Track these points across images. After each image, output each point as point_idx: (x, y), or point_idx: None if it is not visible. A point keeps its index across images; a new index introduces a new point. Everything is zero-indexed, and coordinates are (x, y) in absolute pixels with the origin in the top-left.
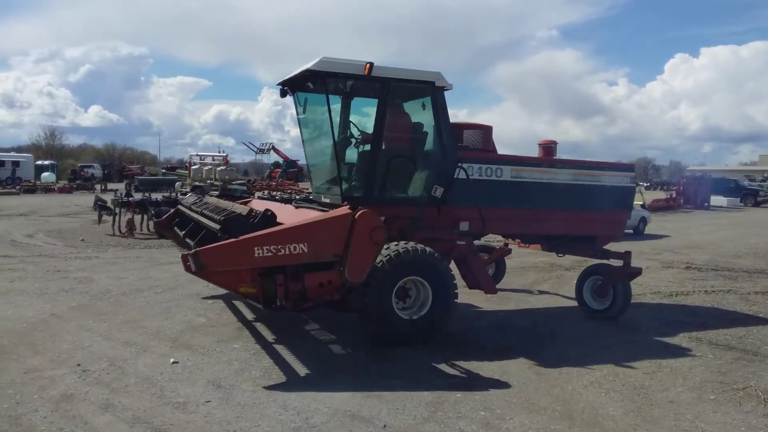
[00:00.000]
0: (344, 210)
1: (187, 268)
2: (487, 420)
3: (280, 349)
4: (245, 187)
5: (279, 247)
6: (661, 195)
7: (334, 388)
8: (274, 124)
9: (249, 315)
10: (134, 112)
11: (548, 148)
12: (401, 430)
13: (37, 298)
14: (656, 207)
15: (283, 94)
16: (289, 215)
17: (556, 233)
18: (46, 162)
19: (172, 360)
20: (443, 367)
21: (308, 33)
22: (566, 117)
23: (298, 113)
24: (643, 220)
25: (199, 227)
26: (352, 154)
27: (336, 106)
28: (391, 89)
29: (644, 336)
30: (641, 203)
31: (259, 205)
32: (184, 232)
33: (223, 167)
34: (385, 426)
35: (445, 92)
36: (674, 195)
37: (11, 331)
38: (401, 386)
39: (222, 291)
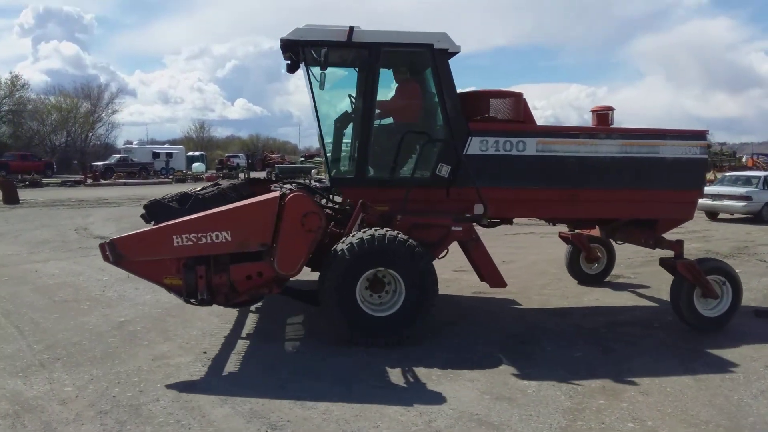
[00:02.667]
0: (273, 194)
1: (105, 258)
2: None
3: (408, 340)
4: None
5: (200, 235)
6: None
7: (459, 387)
8: None
9: None
10: (276, 103)
11: (603, 115)
12: None
13: None
14: None
15: (291, 69)
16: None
17: (598, 217)
18: (197, 153)
19: (293, 348)
20: (582, 367)
21: (438, 16)
22: (718, 91)
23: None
24: None
25: None
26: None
27: (352, 79)
28: (380, 56)
29: None
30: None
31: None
32: None
33: None
34: None
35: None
36: None
37: (147, 316)
38: (535, 389)
39: None
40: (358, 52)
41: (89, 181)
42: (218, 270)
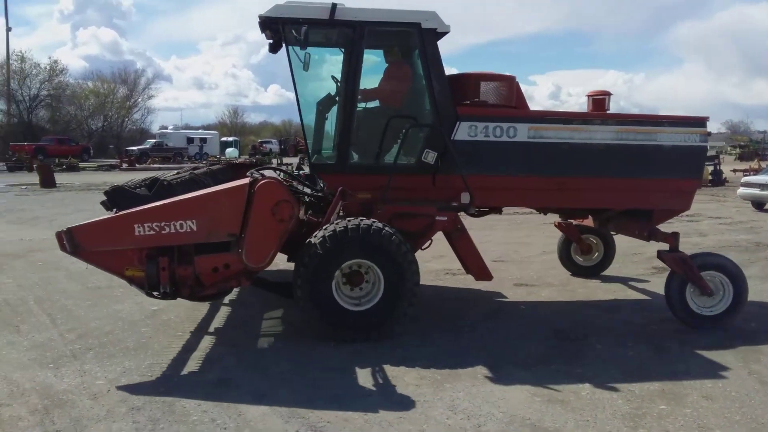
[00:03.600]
0: (242, 180)
1: (62, 248)
2: None
3: (446, 335)
4: None
5: (163, 224)
6: None
7: (509, 387)
8: None
9: (427, 291)
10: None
11: (599, 100)
12: None
13: None
14: None
15: (274, 49)
16: None
17: (591, 207)
18: (230, 138)
19: (333, 344)
20: (636, 367)
21: (474, 3)
22: (760, 78)
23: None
24: None
25: None
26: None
27: (337, 59)
28: (365, 35)
29: None
30: None
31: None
32: None
33: None
34: None
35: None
36: None
37: (179, 305)
38: (589, 391)
39: None
40: (342, 31)
41: (125, 165)
42: (183, 261)
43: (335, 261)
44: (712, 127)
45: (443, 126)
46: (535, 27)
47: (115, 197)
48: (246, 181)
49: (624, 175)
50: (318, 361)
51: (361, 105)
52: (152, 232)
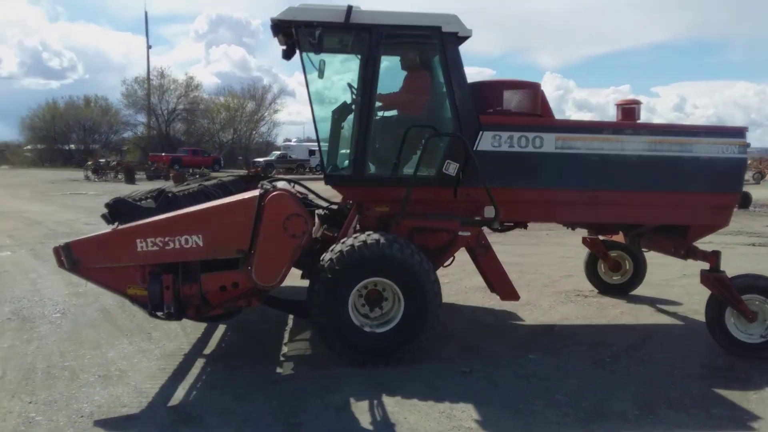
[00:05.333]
0: (251, 192)
1: (60, 264)
2: None
3: (585, 366)
4: None
5: (167, 239)
6: None
7: None
8: (555, 109)
9: (555, 314)
10: None
11: (629, 110)
12: None
13: None
14: None
15: (287, 56)
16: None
17: (623, 222)
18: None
19: (467, 369)
20: None
21: (591, 14)
22: None
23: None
24: None
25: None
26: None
27: (353, 65)
28: (382, 39)
29: None
30: None
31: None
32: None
33: None
34: None
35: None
36: None
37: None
38: None
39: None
40: (358, 35)
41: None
42: (188, 279)
43: (353, 279)
44: None
45: (466, 135)
46: (657, 36)
47: (117, 210)
48: (256, 193)
49: (659, 188)
50: (453, 387)
51: (379, 114)
52: (155, 248)
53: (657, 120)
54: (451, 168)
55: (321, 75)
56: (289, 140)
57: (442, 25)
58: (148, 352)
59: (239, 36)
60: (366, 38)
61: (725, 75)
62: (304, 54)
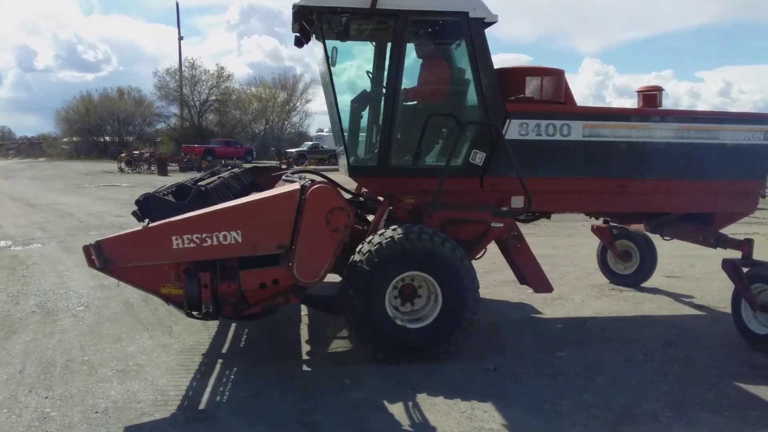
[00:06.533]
0: (291, 186)
1: (91, 263)
2: None
3: (617, 364)
4: None
5: (204, 235)
6: None
7: None
8: (594, 95)
9: (588, 309)
10: None
11: (650, 96)
12: None
13: None
14: None
15: (299, 44)
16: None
17: (650, 211)
18: None
19: (491, 366)
20: None
21: None
22: None
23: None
24: None
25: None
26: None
27: (368, 55)
28: (408, 25)
29: None
30: None
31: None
32: None
33: None
34: None
35: None
36: None
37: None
38: None
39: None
40: (382, 21)
41: (284, 166)
42: (226, 277)
43: (390, 274)
44: None
45: (493, 124)
46: (700, 20)
47: (148, 206)
48: (296, 186)
49: (686, 176)
50: (479, 386)
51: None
52: (192, 245)
53: (702, 106)
54: (478, 158)
55: (334, 63)
56: (321, 131)
57: (469, 10)
58: (167, 346)
59: (271, 26)
60: (391, 25)
61: None
62: (327, 41)
